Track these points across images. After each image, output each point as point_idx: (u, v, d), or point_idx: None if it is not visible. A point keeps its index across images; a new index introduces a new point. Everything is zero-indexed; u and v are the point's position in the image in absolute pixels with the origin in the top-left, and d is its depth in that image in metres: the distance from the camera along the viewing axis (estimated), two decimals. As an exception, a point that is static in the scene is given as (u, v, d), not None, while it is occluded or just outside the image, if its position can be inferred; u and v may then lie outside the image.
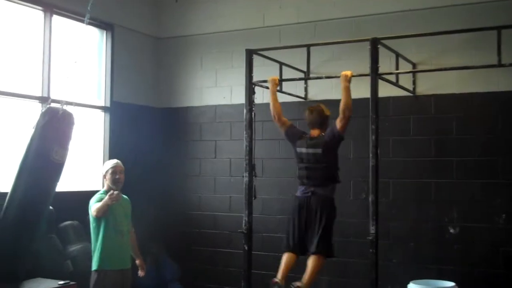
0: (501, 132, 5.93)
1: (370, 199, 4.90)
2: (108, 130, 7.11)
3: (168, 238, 7.49)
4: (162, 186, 7.70)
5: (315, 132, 5.17)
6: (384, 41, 5.28)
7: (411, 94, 6.32)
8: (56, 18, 6.47)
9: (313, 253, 4.95)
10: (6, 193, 5.10)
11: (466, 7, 6.10)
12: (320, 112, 5.20)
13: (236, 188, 6.99)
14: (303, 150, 5.13)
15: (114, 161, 5.45)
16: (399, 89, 6.07)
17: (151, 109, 7.82)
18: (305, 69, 6.40)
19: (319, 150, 5.04)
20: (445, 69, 5.66)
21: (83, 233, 5.87)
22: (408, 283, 5.64)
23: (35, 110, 6.02)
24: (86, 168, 6.83)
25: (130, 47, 7.51)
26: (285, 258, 5.06)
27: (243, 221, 5.49)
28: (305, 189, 5.08)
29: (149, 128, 7.66)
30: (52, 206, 5.49)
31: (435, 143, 6.21)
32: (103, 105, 7.15)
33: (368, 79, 5.03)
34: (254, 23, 7.26)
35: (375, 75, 5.01)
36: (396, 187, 6.32)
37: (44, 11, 6.34)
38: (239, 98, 6.91)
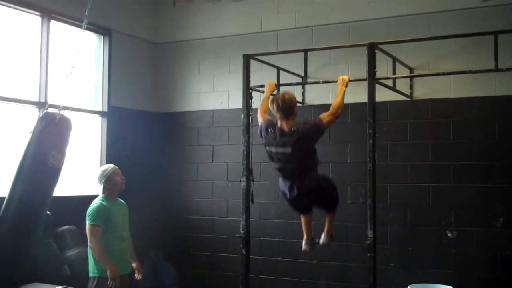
0: (499, 136, 5.95)
1: (367, 203, 4.90)
2: (106, 135, 7.11)
3: (166, 243, 7.48)
4: (159, 191, 7.69)
5: (284, 125, 4.76)
6: (381, 46, 5.29)
7: (408, 99, 6.33)
8: (54, 23, 6.47)
9: (327, 212, 5.11)
10: (3, 198, 5.10)
11: (463, 12, 6.13)
12: (287, 101, 4.75)
13: (233, 193, 6.99)
14: (272, 149, 4.80)
15: (110, 165, 5.45)
16: (396, 93, 6.08)
17: (149, 113, 7.82)
18: (302, 74, 6.42)
19: (288, 150, 4.69)
20: (442, 74, 5.68)
21: (81, 238, 5.86)
22: (406, 287, 5.64)
23: (33, 115, 6.02)
24: (84, 173, 6.82)
25: (127, 52, 7.52)
26: (302, 221, 5.20)
27: (241, 226, 5.49)
28: (287, 185, 4.87)
29: (146, 133, 7.66)
30: (49, 211, 5.47)
31: (433, 147, 6.23)
32: (101, 110, 7.15)
33: (365, 84, 5.03)
34: (251, 28, 7.27)
35: (372, 80, 5.02)
36: (394, 191, 6.33)
37: (42, 16, 6.34)
38: (237, 103, 6.90)
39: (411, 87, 6.34)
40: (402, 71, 6.19)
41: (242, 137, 5.59)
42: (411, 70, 6.28)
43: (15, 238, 4.97)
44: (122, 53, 7.40)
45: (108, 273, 5.02)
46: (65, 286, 5.23)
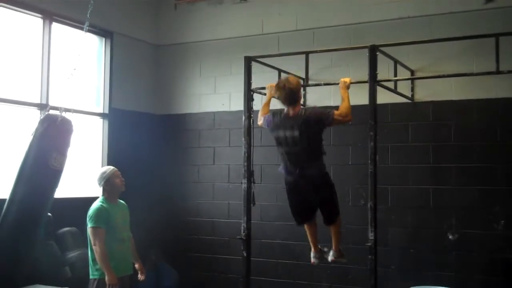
0: (500, 138, 5.94)
1: (368, 205, 4.89)
2: (107, 136, 7.12)
3: (166, 244, 7.49)
4: (160, 192, 7.69)
5: (291, 110, 4.80)
6: (382, 48, 5.29)
7: (410, 101, 6.33)
8: (55, 25, 6.49)
9: (329, 225, 5.02)
10: (4, 200, 5.10)
11: (464, 14, 6.13)
12: (292, 87, 4.76)
13: (234, 195, 7.00)
14: (280, 133, 4.82)
15: (109, 167, 5.45)
16: (398, 95, 6.09)
17: (150, 115, 7.83)
18: (304, 76, 6.42)
19: (296, 133, 4.72)
20: (444, 76, 5.66)
21: (81, 240, 5.86)
22: (407, 289, 5.65)
23: (34, 117, 6.03)
24: (85, 174, 6.82)
25: (129, 54, 7.53)
26: (307, 230, 5.15)
27: (242, 228, 5.48)
28: (291, 171, 4.84)
29: (147, 135, 7.67)
30: (50, 213, 5.48)
31: (434, 149, 6.22)
32: (102, 111, 7.16)
33: (366, 86, 5.03)
34: (253, 30, 7.28)
35: (374, 82, 5.02)
36: (395, 194, 6.33)
37: (44, 18, 6.35)
38: (238, 105, 6.92)
39: (412, 89, 6.35)
40: (403, 73, 6.19)
41: (243, 139, 5.59)
42: (412, 72, 6.28)
43: (16, 239, 4.97)
44: (124, 55, 7.41)
45: (106, 279, 5.01)
46: (66, 287, 5.22)
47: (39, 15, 6.32)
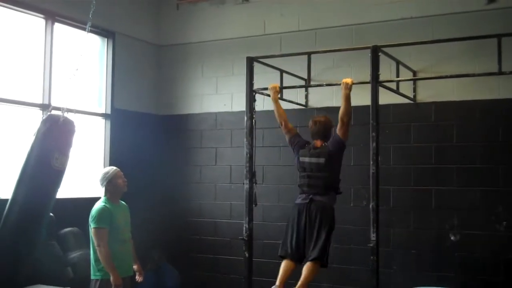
0: (502, 139, 5.94)
1: (370, 206, 4.90)
2: (109, 137, 7.12)
3: (168, 245, 7.49)
4: (162, 193, 7.70)
5: (318, 143, 5.16)
6: (384, 49, 5.30)
7: (412, 102, 6.33)
8: (57, 25, 6.49)
9: (309, 261, 4.91)
10: (6, 200, 5.11)
11: (466, 15, 6.12)
12: (325, 124, 5.20)
13: (236, 195, 7.00)
14: (306, 159, 5.13)
15: (112, 167, 5.44)
16: (400, 96, 6.08)
17: (152, 116, 7.84)
18: (306, 76, 6.42)
19: (322, 160, 5.04)
20: (446, 77, 5.66)
21: (84, 240, 5.85)
22: (409, 290, 5.64)
23: (36, 117, 6.04)
24: (87, 175, 6.83)
25: (131, 54, 7.54)
26: (284, 265, 5.06)
27: (244, 228, 5.49)
28: (305, 197, 5.07)
29: (149, 135, 7.67)
30: (52, 213, 5.48)
31: (436, 150, 6.22)
32: (104, 112, 7.17)
33: (368, 87, 5.04)
34: (255, 31, 7.28)
35: (376, 83, 5.02)
36: (397, 194, 6.32)
37: (46, 19, 6.36)
38: (240, 105, 6.92)
39: (414, 90, 6.34)
40: (405, 74, 6.19)
41: (245, 140, 5.60)
42: (414, 73, 6.28)
43: (18, 240, 4.98)
44: (126, 56, 7.41)
45: (111, 280, 5.00)
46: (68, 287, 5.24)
47: (41, 16, 6.32)
